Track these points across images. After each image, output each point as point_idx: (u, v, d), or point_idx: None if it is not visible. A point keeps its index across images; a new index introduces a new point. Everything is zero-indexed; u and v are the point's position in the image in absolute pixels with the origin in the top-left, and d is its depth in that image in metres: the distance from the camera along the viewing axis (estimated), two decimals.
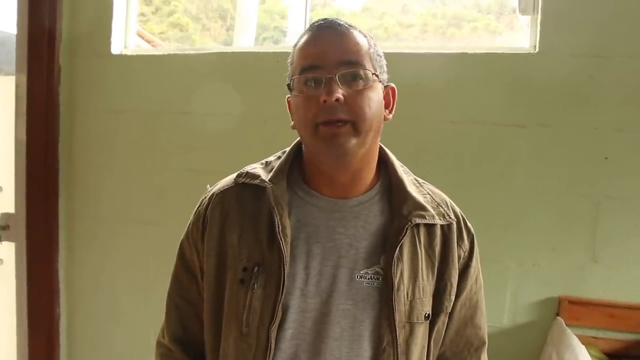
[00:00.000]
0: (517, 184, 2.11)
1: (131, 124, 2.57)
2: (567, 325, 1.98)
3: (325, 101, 1.03)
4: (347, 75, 1.05)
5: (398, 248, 1.09)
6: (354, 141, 1.05)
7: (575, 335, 1.93)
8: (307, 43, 1.10)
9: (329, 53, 1.06)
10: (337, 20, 1.10)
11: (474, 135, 2.15)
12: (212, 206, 1.19)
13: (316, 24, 1.11)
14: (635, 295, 2.01)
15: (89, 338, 2.70)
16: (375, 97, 1.08)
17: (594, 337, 2.03)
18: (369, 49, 1.10)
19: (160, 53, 2.61)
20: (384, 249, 1.11)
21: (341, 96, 1.03)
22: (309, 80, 1.07)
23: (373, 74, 1.08)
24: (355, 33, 1.10)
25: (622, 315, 2.01)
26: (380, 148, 1.21)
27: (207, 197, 1.23)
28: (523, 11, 2.17)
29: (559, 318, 2.02)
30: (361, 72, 1.06)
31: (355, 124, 1.05)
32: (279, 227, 1.08)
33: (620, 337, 2.03)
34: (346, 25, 1.10)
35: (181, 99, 2.49)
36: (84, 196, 2.65)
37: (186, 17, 3.71)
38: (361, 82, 1.06)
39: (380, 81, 1.11)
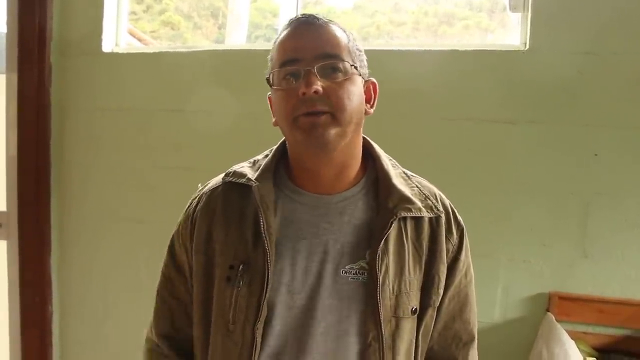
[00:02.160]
0: (507, 180, 2.12)
1: (123, 122, 2.56)
2: (557, 320, 1.99)
3: (304, 93, 1.03)
4: (326, 67, 1.06)
5: (383, 242, 1.09)
6: (333, 131, 1.05)
7: (565, 330, 1.94)
8: (285, 37, 1.11)
9: (307, 46, 1.07)
10: (315, 15, 1.11)
11: (465, 131, 2.16)
12: (201, 205, 1.21)
13: (295, 19, 1.12)
14: (624, 291, 2.03)
15: (82, 337, 2.69)
16: (354, 89, 1.08)
17: (583, 332, 2.04)
18: (348, 42, 1.11)
19: (152, 51, 2.61)
20: (370, 243, 1.11)
21: (320, 88, 1.04)
22: (288, 74, 1.08)
23: (352, 65, 1.08)
24: (334, 27, 1.11)
25: (611, 311, 2.03)
26: (367, 142, 1.22)
27: (197, 197, 1.24)
28: (513, 9, 2.18)
29: (549, 313, 2.03)
30: (340, 64, 1.07)
31: (335, 114, 1.05)
32: (264, 226, 1.09)
33: (610, 332, 2.04)
34: (324, 20, 1.11)
35: (173, 97, 2.49)
36: (76, 194, 2.65)
37: (178, 16, 3.71)
38: (340, 75, 1.07)
39: (360, 74, 1.12)
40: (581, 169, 2.06)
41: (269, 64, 1.14)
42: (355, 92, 1.08)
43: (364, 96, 1.14)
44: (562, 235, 2.07)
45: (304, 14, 1.12)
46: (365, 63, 1.16)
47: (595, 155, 2.05)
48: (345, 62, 1.07)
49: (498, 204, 2.13)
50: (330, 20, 1.12)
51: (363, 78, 1.14)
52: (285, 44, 1.10)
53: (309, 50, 1.07)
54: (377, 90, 1.19)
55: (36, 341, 2.66)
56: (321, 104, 1.04)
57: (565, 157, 2.07)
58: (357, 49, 1.13)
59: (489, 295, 2.12)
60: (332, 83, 1.06)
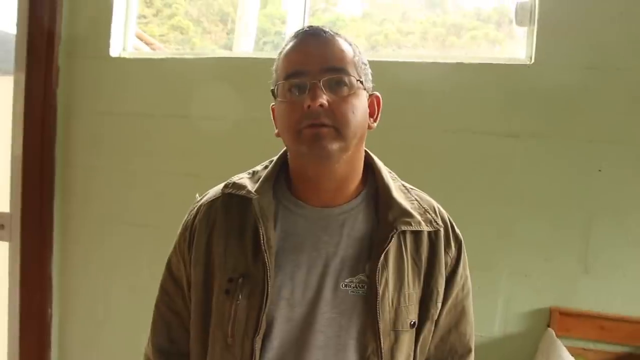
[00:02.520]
0: (510, 194, 2.12)
1: (128, 126, 2.57)
2: (557, 336, 1.99)
3: (309, 106, 1.03)
4: (332, 81, 1.06)
5: (383, 255, 1.09)
6: (336, 145, 1.05)
7: (566, 346, 1.94)
8: (291, 50, 1.10)
9: (313, 59, 1.07)
10: (321, 28, 1.11)
11: (468, 144, 2.16)
12: (200, 217, 1.20)
13: (301, 31, 1.12)
14: (626, 307, 2.02)
15: (81, 339, 2.69)
16: (359, 104, 1.08)
17: (584, 349, 2.03)
18: (354, 56, 1.11)
19: (159, 57, 2.62)
20: (370, 256, 1.11)
21: (325, 102, 1.03)
22: (293, 87, 1.08)
23: (358, 80, 1.08)
24: (340, 41, 1.11)
25: (612, 327, 2.01)
26: (367, 155, 1.22)
27: (195, 208, 1.23)
28: (520, 23, 2.18)
29: (549, 329, 2.03)
30: (345, 78, 1.07)
31: (339, 129, 1.05)
32: (263, 239, 1.09)
33: (610, 349, 2.03)
34: (331, 33, 1.11)
35: (179, 102, 2.50)
36: (80, 197, 2.66)
37: (187, 20, 3.72)
38: (345, 89, 1.07)
39: (365, 89, 1.11)
40: (584, 184, 2.05)
41: (274, 75, 1.14)
42: (359, 107, 1.08)
43: (368, 110, 1.14)
44: (564, 250, 2.07)
45: (310, 26, 1.12)
46: (370, 77, 1.16)
47: (599, 170, 2.04)
48: (351, 77, 1.07)
49: (500, 217, 2.12)
50: (337, 33, 1.12)
51: (368, 92, 1.14)
52: (290, 57, 1.10)
53: (315, 63, 1.06)
54: (381, 104, 1.19)
55: (35, 343, 2.66)
56: (325, 117, 1.04)
57: (568, 172, 2.07)
58: (363, 63, 1.13)
59: (489, 309, 2.11)
60: (337, 97, 1.06)
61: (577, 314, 2.04)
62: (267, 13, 3.53)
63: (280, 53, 1.13)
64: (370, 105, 1.16)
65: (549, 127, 2.08)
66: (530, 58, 2.12)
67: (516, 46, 2.82)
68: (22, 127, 2.59)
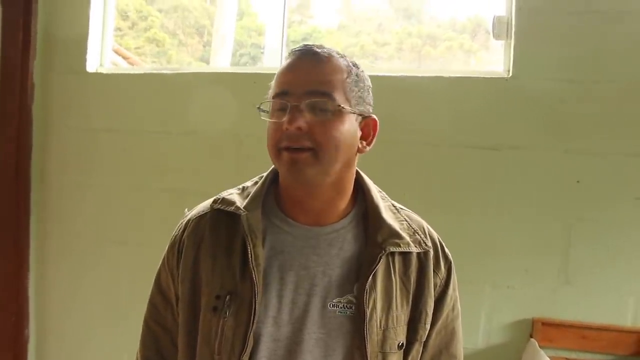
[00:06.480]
0: (490, 206, 2.14)
1: (105, 143, 2.54)
2: (540, 346, 2.00)
3: (287, 128, 1.03)
4: (314, 104, 1.05)
5: (371, 277, 1.09)
6: (313, 170, 1.05)
7: (548, 356, 1.95)
8: (284, 68, 1.10)
9: (299, 81, 1.06)
10: (316, 48, 1.09)
11: (448, 157, 2.17)
12: (188, 232, 1.19)
13: (297, 49, 1.11)
14: (607, 317, 2.05)
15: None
16: (343, 129, 1.07)
17: (566, 358, 2.06)
18: (346, 78, 1.09)
19: (137, 72, 2.60)
20: (358, 277, 1.11)
21: (303, 125, 1.03)
22: (278, 106, 1.08)
23: (340, 106, 1.06)
24: (334, 62, 1.09)
25: (593, 337, 2.04)
26: (357, 174, 1.21)
27: (184, 223, 1.22)
28: (497, 36, 2.21)
29: (532, 339, 2.04)
30: (329, 103, 1.05)
31: (317, 152, 1.04)
32: (251, 257, 1.08)
33: (592, 357, 2.06)
34: (325, 54, 1.09)
35: (157, 118, 2.48)
36: (57, 216, 2.62)
37: (163, 33, 3.70)
38: (328, 114, 1.05)
39: (354, 112, 1.10)
40: (563, 195, 2.08)
41: (269, 91, 1.14)
42: (343, 132, 1.07)
43: (359, 133, 1.13)
44: (544, 261, 2.09)
45: (307, 45, 1.10)
46: (368, 99, 1.14)
47: (578, 182, 2.07)
48: (335, 102, 1.06)
49: (480, 229, 2.14)
50: (334, 54, 1.10)
51: (361, 115, 1.12)
52: (281, 76, 1.09)
53: (300, 85, 1.06)
54: (377, 128, 1.16)
55: None
56: (306, 140, 1.04)
57: (547, 184, 2.09)
58: (358, 85, 1.11)
59: (473, 321, 2.12)
60: (319, 120, 1.05)
61: (559, 324, 2.07)
62: (243, 25, 3.52)
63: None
64: (364, 128, 1.14)
65: (528, 140, 2.11)
66: (508, 71, 2.14)
67: (491, 57, 2.85)
68: None
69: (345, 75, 1.09)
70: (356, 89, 1.10)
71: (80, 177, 2.58)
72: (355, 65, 1.12)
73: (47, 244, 2.64)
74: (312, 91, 1.05)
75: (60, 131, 2.62)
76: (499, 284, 2.12)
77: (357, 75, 1.11)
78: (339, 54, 1.11)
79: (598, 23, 2.05)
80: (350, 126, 1.09)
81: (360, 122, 1.13)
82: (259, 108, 1.13)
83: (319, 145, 1.04)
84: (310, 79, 1.07)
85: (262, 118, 1.11)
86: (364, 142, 1.14)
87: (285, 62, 1.11)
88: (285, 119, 1.04)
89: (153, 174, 2.48)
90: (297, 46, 1.12)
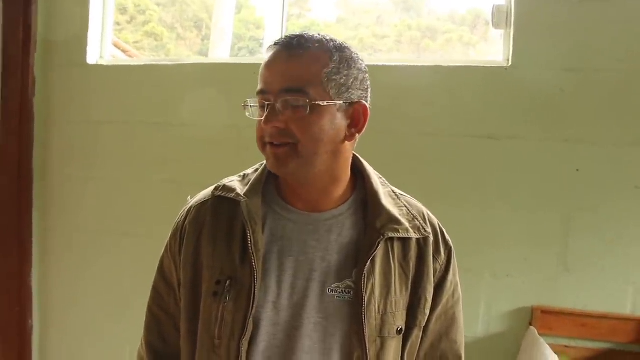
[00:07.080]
0: (489, 195, 2.14)
1: (107, 135, 2.55)
2: (539, 334, 2.01)
3: (264, 128, 1.07)
4: (289, 102, 1.05)
5: (369, 262, 1.10)
6: (294, 163, 1.07)
7: (548, 344, 1.96)
8: (264, 65, 1.10)
9: (274, 79, 1.07)
10: (291, 41, 1.08)
11: (447, 147, 2.18)
12: (190, 219, 1.20)
13: (274, 44, 1.10)
14: (606, 305, 2.06)
15: (63, 351, 2.66)
16: (321, 122, 1.06)
17: (565, 346, 2.07)
18: (323, 69, 1.06)
19: (137, 64, 2.60)
20: (356, 262, 1.12)
21: (279, 124, 1.05)
22: (259, 103, 1.09)
23: (315, 102, 1.05)
24: (310, 53, 1.07)
25: (593, 324, 2.05)
26: (357, 160, 1.22)
27: (186, 210, 1.24)
28: (496, 25, 2.21)
29: (532, 327, 2.05)
30: (302, 99, 1.04)
31: (296, 147, 1.06)
32: (251, 242, 1.10)
33: (591, 345, 2.06)
34: (300, 46, 1.07)
35: (158, 109, 2.48)
36: (59, 208, 2.63)
37: (161, 27, 3.71)
38: (303, 109, 1.04)
39: (335, 103, 1.07)
40: (563, 184, 2.08)
41: None
42: (322, 125, 1.06)
43: (346, 122, 1.11)
44: (544, 249, 2.10)
45: (286, 36, 1.10)
46: (356, 85, 1.11)
47: (577, 170, 2.07)
48: (310, 96, 1.04)
49: (480, 218, 2.14)
50: (311, 43, 1.08)
51: (346, 103, 1.09)
52: (261, 72, 1.10)
53: (276, 82, 1.06)
54: (368, 113, 1.13)
55: (16, 355, 2.62)
56: (285, 136, 1.05)
57: (546, 173, 2.10)
58: (341, 72, 1.08)
59: (472, 309, 2.13)
60: (296, 117, 1.05)
61: (559, 312, 2.08)
62: (242, 18, 3.53)
63: None
64: (354, 114, 1.11)
65: (527, 129, 2.11)
66: (508, 60, 2.15)
67: (491, 48, 2.85)
68: None
69: (322, 66, 1.07)
70: (338, 77, 1.07)
71: (82, 169, 2.59)
72: (340, 49, 1.10)
73: (49, 236, 2.65)
74: (286, 89, 1.05)
75: (62, 124, 2.63)
76: (499, 272, 2.13)
77: (340, 61, 1.08)
78: (320, 41, 1.09)
79: (598, 12, 2.05)
80: (330, 118, 1.08)
81: (347, 110, 1.10)
82: (244, 105, 1.14)
83: (297, 140, 1.06)
84: (284, 76, 1.06)
85: (247, 115, 1.13)
86: (353, 130, 1.12)
87: (265, 57, 1.10)
88: (262, 118, 1.06)
89: (154, 165, 2.49)
90: (276, 39, 1.11)
